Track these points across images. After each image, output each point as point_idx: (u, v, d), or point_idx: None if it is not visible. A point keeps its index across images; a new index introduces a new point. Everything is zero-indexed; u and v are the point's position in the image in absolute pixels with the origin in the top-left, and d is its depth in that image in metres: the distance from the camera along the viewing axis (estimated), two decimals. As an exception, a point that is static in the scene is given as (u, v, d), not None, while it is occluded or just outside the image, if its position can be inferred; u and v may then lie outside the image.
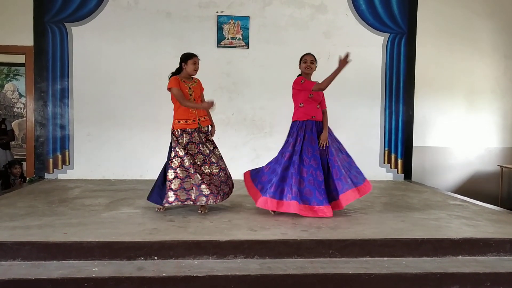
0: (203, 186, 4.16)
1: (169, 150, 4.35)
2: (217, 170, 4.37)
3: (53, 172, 6.50)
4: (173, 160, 4.21)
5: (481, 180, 7.17)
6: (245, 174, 4.68)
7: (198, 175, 4.17)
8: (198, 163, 4.27)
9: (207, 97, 4.58)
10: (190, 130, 4.30)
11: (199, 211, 4.29)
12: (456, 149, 7.18)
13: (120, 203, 4.72)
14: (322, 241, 3.45)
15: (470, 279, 3.19)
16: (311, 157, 4.20)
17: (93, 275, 2.96)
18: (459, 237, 3.56)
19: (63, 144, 6.51)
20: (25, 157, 6.77)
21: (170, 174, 4.18)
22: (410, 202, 5.10)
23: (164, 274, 3.00)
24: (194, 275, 3.01)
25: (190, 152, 4.26)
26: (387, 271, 3.18)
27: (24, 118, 7.86)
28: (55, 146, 6.50)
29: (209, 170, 4.31)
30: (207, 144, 4.40)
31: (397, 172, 6.97)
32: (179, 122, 4.32)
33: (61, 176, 6.49)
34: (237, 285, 3.01)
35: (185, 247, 3.30)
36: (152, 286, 2.96)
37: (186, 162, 4.19)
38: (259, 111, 6.75)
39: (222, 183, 4.40)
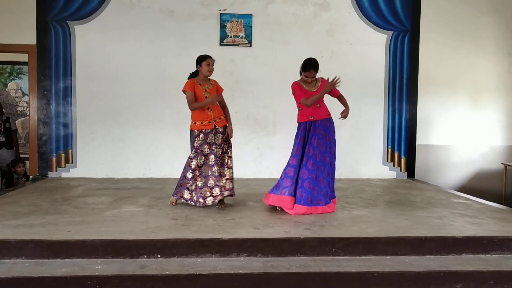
0: (205, 189, 4.36)
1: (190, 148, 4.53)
2: (227, 172, 4.49)
3: (56, 170, 6.51)
4: (192, 160, 4.39)
5: (485, 178, 7.14)
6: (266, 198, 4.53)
7: (203, 178, 4.37)
8: (210, 163, 4.39)
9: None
10: (206, 131, 4.40)
11: (217, 206, 4.45)
12: (460, 147, 7.15)
13: (123, 202, 4.72)
14: (325, 239, 3.45)
15: (473, 277, 3.18)
16: (310, 157, 4.26)
17: (96, 273, 2.96)
18: (462, 235, 3.55)
19: (66, 143, 6.52)
20: (28, 156, 6.78)
21: (188, 174, 4.41)
22: (413, 200, 5.09)
23: (167, 272, 3.01)
24: (197, 273, 3.01)
25: (203, 152, 4.39)
26: (391, 269, 3.17)
27: (28, 117, 7.87)
28: (58, 145, 6.51)
29: (218, 171, 4.41)
30: (222, 145, 4.46)
31: (401, 170, 6.95)
32: (195, 123, 4.43)
33: (64, 175, 6.51)
34: (240, 283, 3.01)
35: (188, 245, 3.30)
36: (155, 284, 2.96)
37: (198, 163, 4.38)
38: (262, 109, 6.75)
39: (228, 180, 4.48)
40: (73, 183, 5.93)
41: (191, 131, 4.46)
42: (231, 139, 4.56)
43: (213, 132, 4.40)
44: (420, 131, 7.00)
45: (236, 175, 6.77)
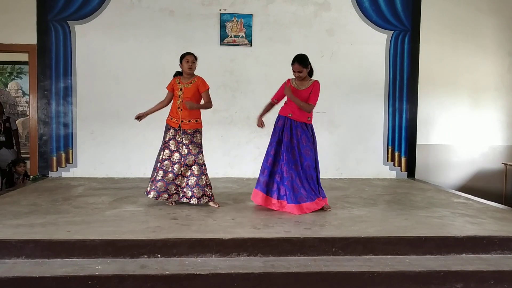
0: (160, 183, 4.40)
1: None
2: (188, 174, 4.47)
3: (57, 170, 6.51)
4: (160, 152, 4.49)
5: (485, 178, 7.14)
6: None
7: (163, 172, 4.41)
8: (173, 160, 4.45)
9: (211, 95, 4.59)
10: (175, 128, 4.48)
11: (217, 206, 4.48)
12: (460, 147, 7.15)
13: (123, 201, 4.73)
14: (326, 239, 3.45)
15: (474, 277, 3.18)
16: (286, 154, 4.36)
17: (97, 273, 2.97)
18: (463, 235, 3.56)
19: (67, 143, 6.52)
20: (29, 155, 6.79)
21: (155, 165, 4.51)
22: (413, 200, 5.09)
23: (167, 272, 3.01)
24: (197, 273, 3.02)
25: (170, 147, 4.47)
26: (391, 269, 3.18)
27: (28, 117, 7.87)
28: (58, 145, 6.51)
29: (179, 171, 4.45)
30: (190, 146, 4.45)
31: (401, 170, 6.95)
32: (168, 116, 4.56)
33: (64, 174, 6.51)
34: (240, 283, 3.02)
35: (188, 245, 3.30)
36: (155, 284, 2.97)
37: (163, 156, 4.45)
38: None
39: (188, 187, 4.46)
40: (73, 183, 5.93)
41: (166, 124, 4.58)
42: (197, 139, 4.48)
43: (180, 131, 4.45)
44: (420, 130, 7.00)
45: (237, 174, 6.78)
